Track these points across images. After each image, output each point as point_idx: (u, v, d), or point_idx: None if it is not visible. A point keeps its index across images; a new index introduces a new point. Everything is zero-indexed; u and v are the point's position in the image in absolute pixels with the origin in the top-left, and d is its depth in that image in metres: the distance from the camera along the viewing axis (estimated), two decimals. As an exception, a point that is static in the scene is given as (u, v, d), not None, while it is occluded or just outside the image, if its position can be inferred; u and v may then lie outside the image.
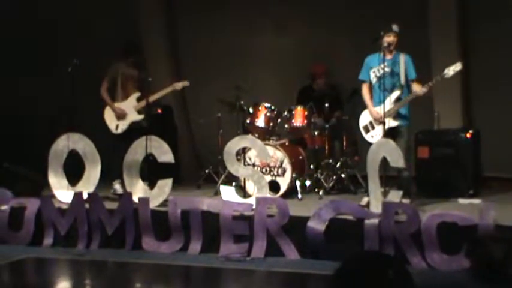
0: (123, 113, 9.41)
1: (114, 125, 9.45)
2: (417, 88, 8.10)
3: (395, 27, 8.19)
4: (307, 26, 11.14)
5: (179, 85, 9.42)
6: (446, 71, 7.95)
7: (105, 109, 9.52)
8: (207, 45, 11.54)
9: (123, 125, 9.43)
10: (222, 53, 11.45)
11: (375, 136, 8.26)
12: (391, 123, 8.15)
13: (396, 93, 8.21)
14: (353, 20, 10.65)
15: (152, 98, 9.29)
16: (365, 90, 8.46)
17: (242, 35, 11.41)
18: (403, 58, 8.25)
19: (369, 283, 2.18)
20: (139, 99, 9.44)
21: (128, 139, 9.10)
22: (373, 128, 8.34)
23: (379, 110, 8.12)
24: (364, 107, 8.47)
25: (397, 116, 8.20)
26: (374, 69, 8.33)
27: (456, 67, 7.95)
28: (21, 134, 11.77)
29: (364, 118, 8.45)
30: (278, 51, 11.29)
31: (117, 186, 9.32)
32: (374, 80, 8.34)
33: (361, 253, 2.35)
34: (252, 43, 11.43)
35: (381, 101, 8.05)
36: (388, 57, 8.23)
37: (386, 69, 8.18)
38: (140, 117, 9.45)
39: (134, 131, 9.28)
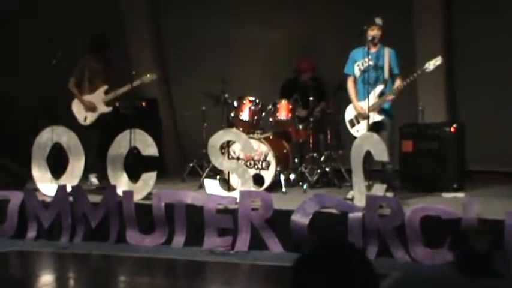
0: (93, 105, 9.56)
1: (83, 116, 9.65)
2: (397, 84, 8.15)
3: (378, 20, 8.20)
4: (293, 19, 11.10)
5: (147, 78, 9.46)
6: (427, 65, 7.98)
7: (72, 101, 9.68)
8: (192, 38, 11.48)
9: (91, 117, 9.63)
10: (206, 46, 11.40)
11: (360, 130, 8.26)
12: (375, 117, 8.16)
13: (380, 87, 8.22)
14: (338, 14, 10.64)
15: (121, 91, 9.53)
16: (350, 84, 8.46)
17: (227, 27, 11.35)
18: (387, 52, 8.26)
19: (329, 271, 2.18)
20: (106, 92, 9.65)
21: (96, 130, 9.56)
22: (358, 122, 8.34)
23: (363, 105, 8.13)
24: (349, 101, 8.47)
25: (381, 110, 8.21)
26: (358, 63, 8.33)
27: (436, 61, 7.98)
28: (3, 126, 11.67)
29: (350, 112, 8.45)
30: (263, 44, 11.25)
31: (93, 180, 9.42)
32: (358, 73, 8.35)
33: (321, 241, 2.34)
34: (237, 36, 11.38)
35: (365, 96, 8.07)
36: (372, 50, 8.24)
37: (370, 63, 8.18)
38: (108, 109, 9.69)
39: (102, 123, 9.61)
